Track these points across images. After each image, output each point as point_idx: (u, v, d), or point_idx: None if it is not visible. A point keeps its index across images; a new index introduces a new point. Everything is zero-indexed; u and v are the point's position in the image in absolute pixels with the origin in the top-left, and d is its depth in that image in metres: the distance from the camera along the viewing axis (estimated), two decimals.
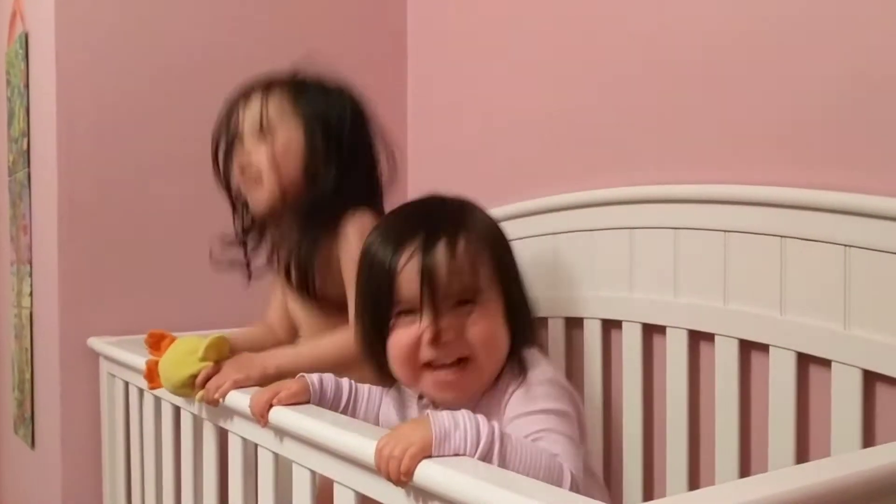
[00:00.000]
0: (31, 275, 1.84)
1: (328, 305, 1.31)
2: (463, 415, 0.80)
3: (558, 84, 1.59)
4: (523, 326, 0.96)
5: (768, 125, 1.24)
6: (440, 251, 0.91)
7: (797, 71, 1.20)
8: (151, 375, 1.25)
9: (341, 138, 1.30)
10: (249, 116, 1.30)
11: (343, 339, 1.21)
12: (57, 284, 1.65)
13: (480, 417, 0.80)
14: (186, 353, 1.18)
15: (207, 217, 1.77)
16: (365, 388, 1.11)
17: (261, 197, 1.30)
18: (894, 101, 1.09)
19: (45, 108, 1.71)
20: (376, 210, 1.31)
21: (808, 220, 1.14)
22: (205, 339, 1.18)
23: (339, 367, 1.17)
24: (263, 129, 1.28)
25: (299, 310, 1.37)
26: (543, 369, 0.94)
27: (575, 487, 0.82)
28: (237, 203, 1.37)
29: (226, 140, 1.33)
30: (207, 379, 1.15)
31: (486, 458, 0.78)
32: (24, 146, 1.87)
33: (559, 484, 0.80)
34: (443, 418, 0.79)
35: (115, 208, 1.69)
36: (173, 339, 1.24)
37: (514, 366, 0.96)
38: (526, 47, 1.66)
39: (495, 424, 0.80)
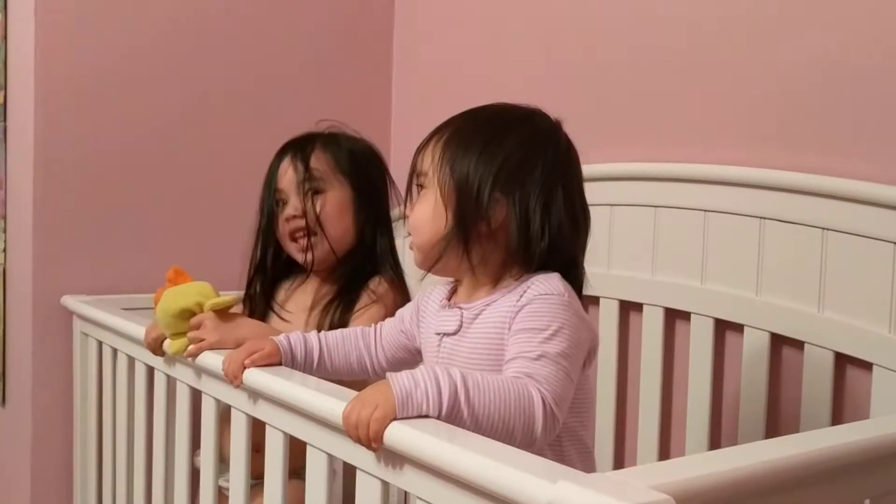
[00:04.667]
0: (4, 230, 1.81)
1: None
2: (422, 371, 0.80)
3: (542, 63, 1.58)
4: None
5: (751, 107, 1.24)
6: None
7: (779, 55, 1.20)
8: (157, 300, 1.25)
9: (380, 199, 1.36)
10: (301, 170, 1.31)
11: None
12: (31, 241, 1.63)
13: (440, 370, 0.80)
14: (194, 290, 1.18)
15: (185, 176, 1.75)
16: (337, 335, 1.10)
17: (313, 252, 1.31)
18: (873, 86, 1.10)
19: (22, 61, 1.68)
20: (397, 273, 1.34)
21: (787, 202, 1.15)
22: (212, 288, 1.19)
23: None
24: (315, 185, 1.31)
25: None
26: (560, 289, 0.91)
27: (548, 411, 0.81)
28: (267, 249, 1.37)
29: (273, 194, 1.34)
30: (195, 325, 1.15)
31: (452, 410, 0.78)
32: (1, 99, 1.83)
33: (531, 414, 0.81)
34: (402, 379, 0.79)
35: (92, 165, 1.67)
36: (189, 280, 1.23)
37: (473, 266, 0.95)
38: (511, 28, 1.65)
39: (456, 373, 0.80)
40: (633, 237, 1.36)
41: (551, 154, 0.97)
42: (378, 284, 1.30)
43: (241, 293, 1.38)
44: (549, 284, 0.91)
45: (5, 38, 1.81)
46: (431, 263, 0.97)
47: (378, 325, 1.11)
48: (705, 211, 1.26)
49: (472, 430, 0.78)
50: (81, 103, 1.65)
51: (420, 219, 0.98)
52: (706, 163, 1.27)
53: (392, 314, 1.13)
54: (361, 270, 1.32)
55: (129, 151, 1.70)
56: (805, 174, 1.14)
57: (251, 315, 1.36)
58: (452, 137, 0.97)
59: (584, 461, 0.95)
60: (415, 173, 1.01)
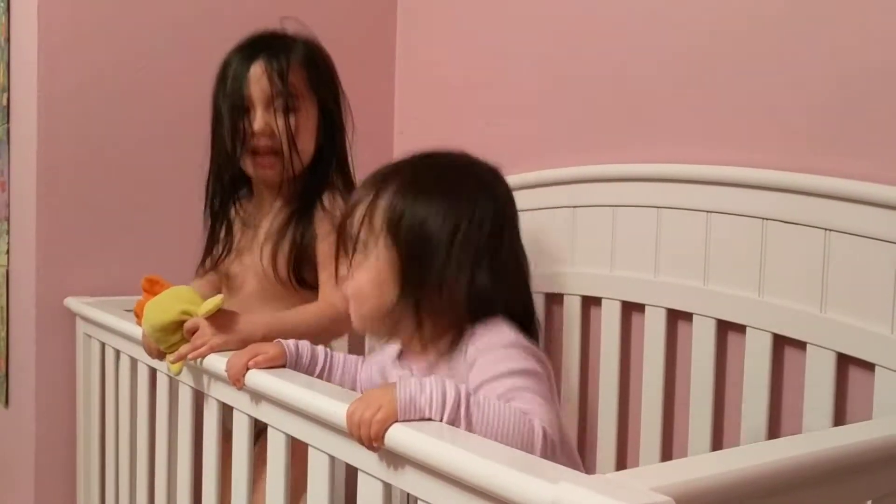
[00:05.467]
0: (8, 232, 1.82)
1: (299, 291, 1.30)
2: (431, 380, 0.80)
3: (543, 63, 1.58)
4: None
5: (753, 108, 1.24)
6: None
7: (781, 55, 1.20)
8: (140, 314, 1.25)
9: (340, 119, 1.32)
10: (272, 83, 1.26)
11: (324, 307, 1.23)
12: (34, 243, 1.63)
13: (448, 381, 0.80)
14: (174, 299, 1.18)
15: (187, 177, 1.75)
16: (340, 356, 1.11)
17: (278, 165, 1.28)
18: (876, 86, 1.10)
19: (25, 63, 1.68)
20: (346, 187, 1.32)
21: (789, 203, 1.15)
22: (191, 291, 1.19)
23: (321, 332, 1.18)
24: (286, 100, 1.26)
25: (260, 291, 1.34)
26: (506, 333, 0.91)
27: (549, 442, 0.81)
28: (223, 164, 1.33)
29: (238, 101, 1.28)
30: (191, 331, 1.14)
31: (453, 420, 0.78)
32: (4, 101, 1.84)
33: (531, 440, 0.80)
34: (410, 383, 0.80)
35: (95, 167, 1.67)
36: (166, 287, 1.23)
37: (459, 329, 0.93)
38: (512, 28, 1.65)
39: (462, 387, 0.80)
40: (636, 238, 1.36)
41: (500, 206, 0.96)
42: (332, 201, 1.27)
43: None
44: (493, 335, 0.91)
45: (8, 40, 1.81)
46: (378, 333, 0.96)
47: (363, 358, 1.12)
48: (708, 212, 1.25)
49: None
50: (84, 106, 1.66)
51: (363, 289, 0.94)
52: (708, 164, 1.27)
53: None
54: (314, 187, 1.28)
55: (131, 153, 1.70)
56: (808, 175, 1.13)
57: (213, 232, 1.35)
58: (400, 197, 0.92)
59: (570, 459, 0.95)
60: (348, 235, 0.96)
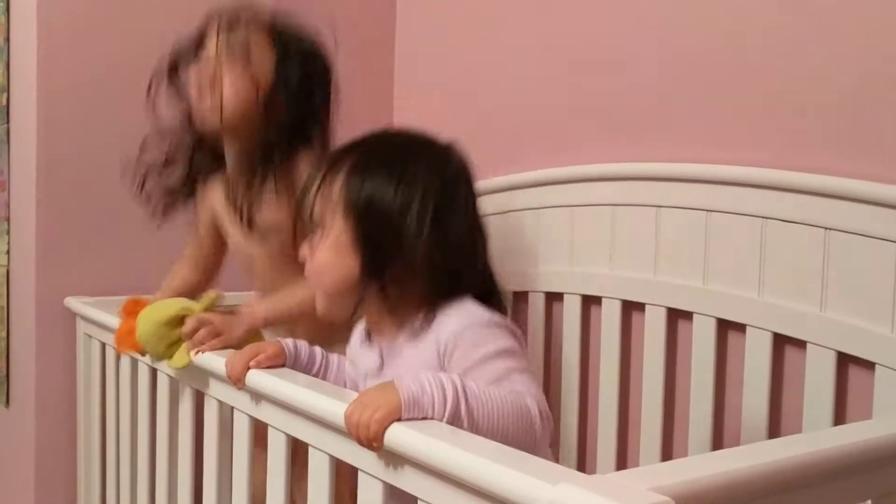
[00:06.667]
0: (8, 232, 1.82)
1: (274, 239, 1.31)
2: (428, 378, 0.81)
3: (543, 62, 1.58)
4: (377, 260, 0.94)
5: (752, 107, 1.24)
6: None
7: (780, 55, 1.20)
8: (122, 338, 1.25)
9: (309, 83, 1.32)
10: (228, 37, 1.29)
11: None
12: (34, 243, 1.63)
13: (444, 376, 0.81)
14: (170, 300, 1.20)
15: None
16: (335, 357, 1.12)
17: (214, 113, 1.28)
18: (875, 85, 1.09)
19: (25, 63, 1.68)
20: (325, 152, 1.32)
21: (789, 202, 1.15)
22: (184, 299, 1.19)
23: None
24: (239, 53, 1.28)
25: (248, 246, 1.36)
26: (478, 312, 0.92)
27: (544, 417, 0.85)
28: (178, 121, 1.35)
29: (192, 54, 1.32)
30: (193, 330, 1.15)
31: (454, 416, 0.79)
32: (3, 101, 1.84)
33: (529, 420, 0.83)
34: (409, 384, 0.80)
35: (94, 166, 1.67)
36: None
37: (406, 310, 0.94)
38: (512, 27, 1.65)
39: (457, 379, 0.81)
40: (635, 237, 1.36)
41: (456, 179, 0.96)
42: (305, 156, 1.28)
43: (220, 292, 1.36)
44: (463, 314, 0.92)
45: (7, 40, 1.81)
46: (340, 309, 0.96)
47: None
48: (707, 211, 1.25)
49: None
50: (84, 105, 1.65)
51: (324, 263, 0.95)
52: (708, 162, 1.27)
53: None
54: (275, 144, 1.28)
55: (131, 152, 1.70)
56: (807, 174, 1.13)
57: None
58: (354, 173, 0.94)
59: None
60: (305, 217, 0.98)
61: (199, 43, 1.32)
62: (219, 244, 1.46)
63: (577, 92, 1.52)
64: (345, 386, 1.10)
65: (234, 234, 1.37)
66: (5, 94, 1.83)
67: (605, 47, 1.47)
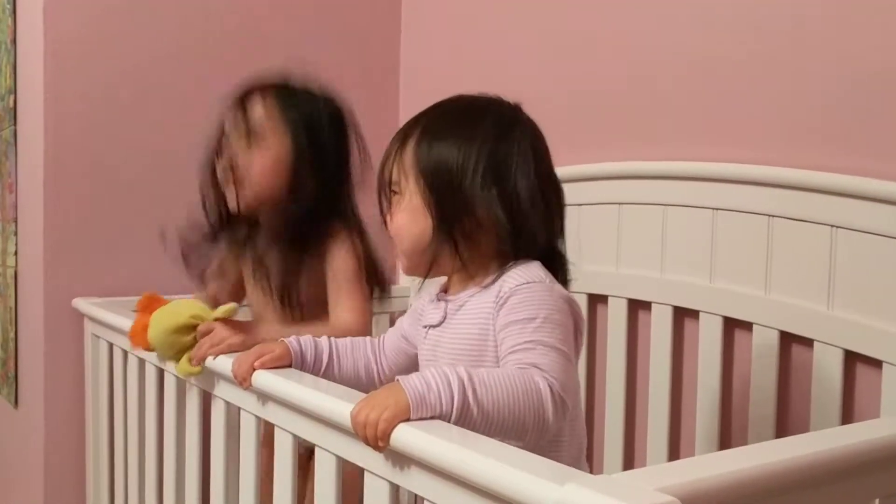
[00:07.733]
0: (16, 234, 1.83)
1: (302, 313, 1.31)
2: (432, 373, 0.81)
3: (548, 62, 1.58)
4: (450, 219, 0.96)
5: (759, 105, 1.24)
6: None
7: (788, 53, 1.20)
8: (136, 335, 1.25)
9: (327, 150, 1.31)
10: (240, 119, 1.29)
11: (336, 324, 1.23)
12: (42, 244, 1.64)
13: (449, 370, 0.81)
14: (183, 305, 1.19)
15: (194, 179, 1.76)
16: (347, 343, 1.12)
17: (240, 199, 1.28)
18: (882, 83, 1.09)
19: (32, 65, 1.69)
20: (354, 225, 1.32)
21: (796, 200, 1.15)
22: (197, 303, 1.19)
23: None
24: (252, 134, 1.28)
25: (268, 312, 1.34)
26: (538, 274, 0.93)
27: (557, 398, 0.83)
28: (208, 202, 1.34)
29: (217, 139, 1.32)
30: (204, 333, 1.15)
31: (462, 410, 0.79)
32: (11, 103, 1.84)
33: (539, 400, 0.82)
34: (414, 382, 0.80)
35: (101, 167, 1.67)
36: (164, 304, 1.23)
37: (485, 265, 0.96)
38: (517, 27, 1.65)
39: (462, 372, 0.81)
40: (642, 236, 1.36)
41: (520, 139, 0.99)
42: (338, 230, 1.28)
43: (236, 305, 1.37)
44: (527, 273, 0.93)
45: (14, 42, 1.82)
46: (421, 267, 0.99)
47: (382, 335, 1.13)
48: (714, 209, 1.25)
49: (484, 426, 0.79)
50: (91, 106, 1.66)
51: (401, 225, 0.99)
52: (714, 161, 1.27)
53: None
54: (304, 220, 1.28)
55: (139, 153, 1.71)
56: (814, 172, 1.13)
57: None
58: (423, 138, 0.98)
59: (576, 461, 0.96)
60: (384, 185, 1.01)
61: (221, 132, 1.32)
62: (239, 288, 1.43)
63: (582, 93, 1.51)
64: (369, 364, 1.11)
65: (256, 295, 1.36)
66: (12, 96, 1.84)
67: (610, 48, 1.47)
